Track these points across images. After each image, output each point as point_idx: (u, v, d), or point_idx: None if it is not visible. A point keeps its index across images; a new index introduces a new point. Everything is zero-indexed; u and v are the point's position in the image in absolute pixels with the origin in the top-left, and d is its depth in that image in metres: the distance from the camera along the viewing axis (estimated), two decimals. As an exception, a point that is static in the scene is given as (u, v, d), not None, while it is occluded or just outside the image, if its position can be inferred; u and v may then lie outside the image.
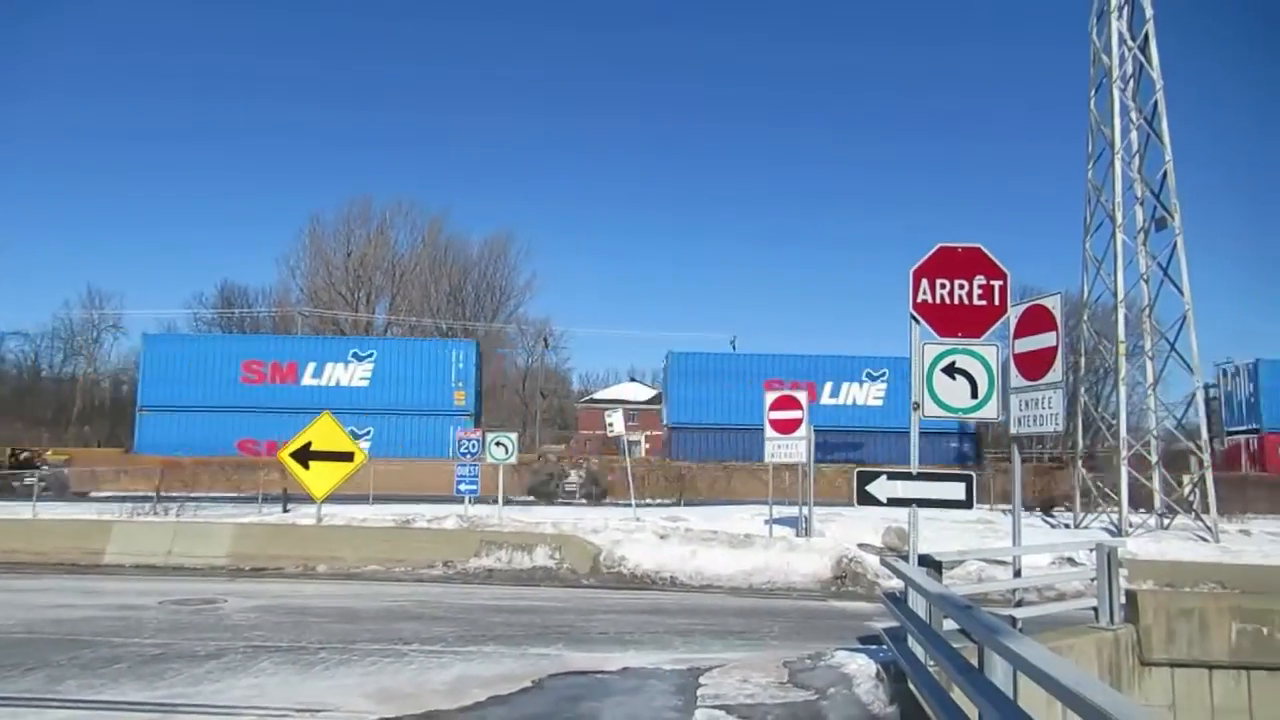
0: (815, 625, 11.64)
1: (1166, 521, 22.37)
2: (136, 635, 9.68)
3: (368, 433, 33.27)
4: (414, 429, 34.35)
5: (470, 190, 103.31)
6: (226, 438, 32.72)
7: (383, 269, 62.32)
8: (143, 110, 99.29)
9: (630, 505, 22.19)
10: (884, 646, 8.21)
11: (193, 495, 23.25)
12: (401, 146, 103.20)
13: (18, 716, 6.61)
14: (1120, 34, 23.54)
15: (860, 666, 7.82)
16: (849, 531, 18.77)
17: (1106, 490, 22.98)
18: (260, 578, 15.01)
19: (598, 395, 74.57)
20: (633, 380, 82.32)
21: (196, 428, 32.89)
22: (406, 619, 11.19)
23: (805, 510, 18.76)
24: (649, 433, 65.16)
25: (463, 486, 20.93)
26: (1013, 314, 8.78)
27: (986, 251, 8.61)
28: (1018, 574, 9.78)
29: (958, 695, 5.57)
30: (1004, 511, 22.31)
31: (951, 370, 8.32)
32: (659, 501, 27.81)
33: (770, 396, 18.95)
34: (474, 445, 21.63)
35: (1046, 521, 24.54)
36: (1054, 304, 8.61)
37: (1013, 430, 9.01)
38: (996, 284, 8.50)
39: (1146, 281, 23.48)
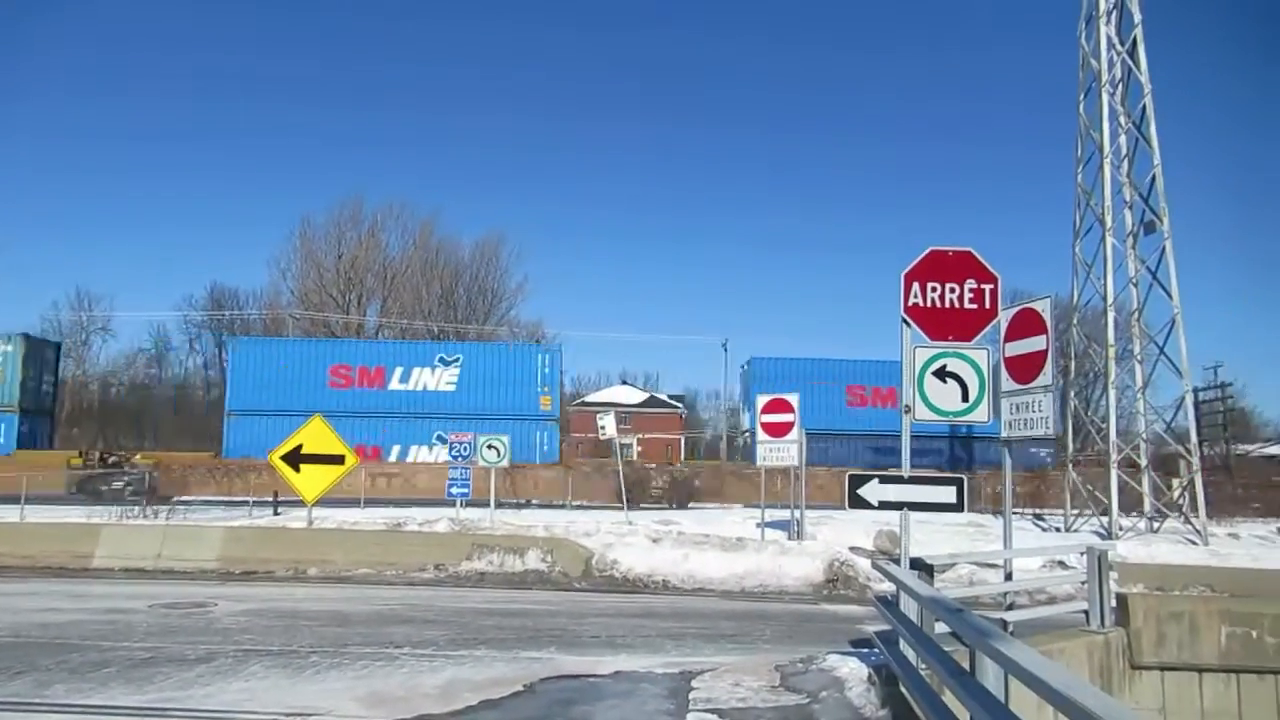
0: (807, 629, 11.65)
1: (1156, 525, 22.47)
2: (125, 639, 9.63)
3: (504, 433, 33.22)
4: (501, 433, 34.11)
5: (461, 192, 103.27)
6: (508, 444, 32.73)
7: (374, 271, 62.14)
8: (130, 111, 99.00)
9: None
10: (876, 650, 8.22)
11: (184, 499, 23.15)
12: (392, 148, 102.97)
13: (5, 721, 6.58)
14: (1109, 39, 23.65)
15: (852, 670, 7.83)
16: (841, 535, 18.80)
17: (1096, 493, 23.05)
18: (251, 581, 14.96)
19: (589, 398, 74.55)
20: (624, 383, 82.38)
21: (285, 431, 32.70)
22: (398, 622, 11.16)
23: (797, 514, 18.78)
24: (642, 435, 65.18)
25: (454, 490, 20.89)
26: (1003, 317, 8.81)
27: (977, 255, 8.63)
28: (1009, 577, 9.82)
29: (949, 698, 5.58)
30: (995, 514, 22.37)
31: (942, 374, 8.34)
32: (651, 506, 27.79)
33: (762, 400, 19.00)
34: (465, 449, 21.59)
35: (1037, 525, 24.61)
36: (1044, 308, 8.64)
37: (1003, 434, 9.03)
38: (987, 287, 8.53)
39: (1136, 285, 23.59)
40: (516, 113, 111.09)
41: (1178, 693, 9.54)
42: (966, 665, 5.45)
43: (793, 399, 18.56)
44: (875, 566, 10.89)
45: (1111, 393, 23.11)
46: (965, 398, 8.30)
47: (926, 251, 8.63)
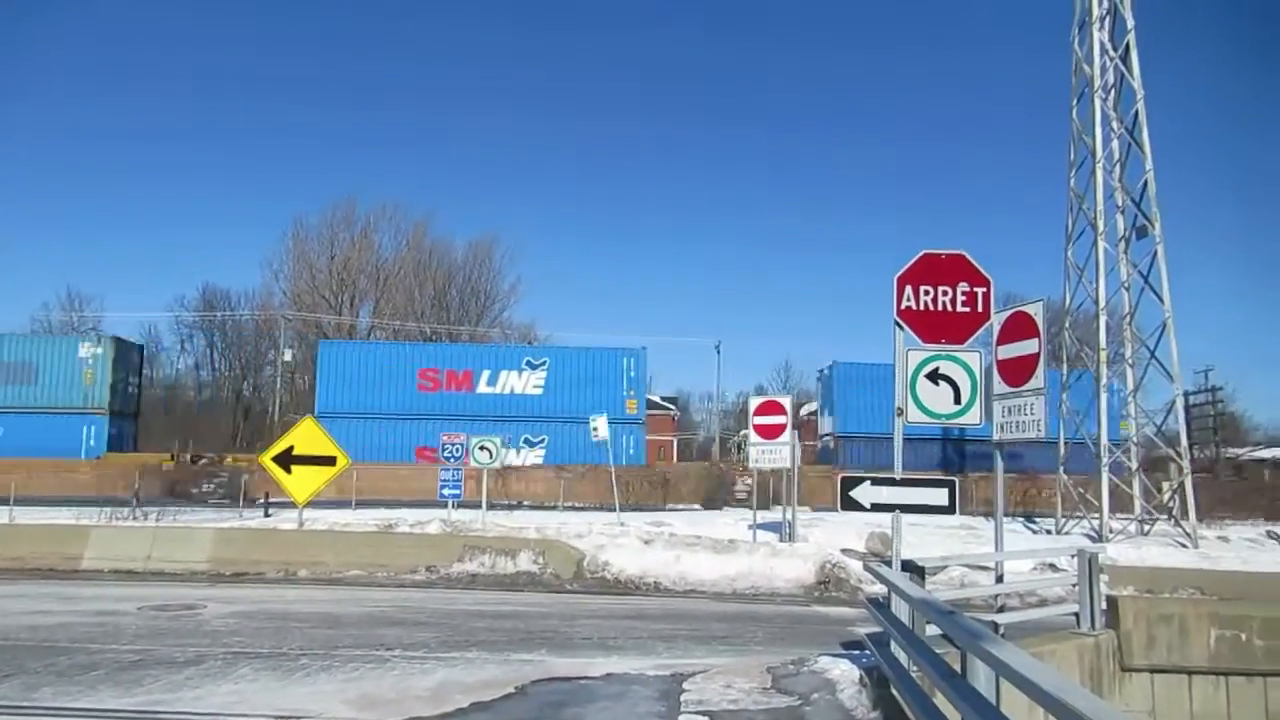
0: (799, 630, 11.65)
1: (1146, 528, 22.56)
2: (114, 641, 9.58)
3: (542, 440, 33.44)
4: (588, 436, 34.02)
5: (454, 193, 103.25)
6: (405, 444, 32.69)
7: (367, 272, 62.03)
8: (121, 111, 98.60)
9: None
10: (867, 652, 8.23)
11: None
12: (386, 149, 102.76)
13: (-8, 724, 6.54)
14: (1102, 44, 23.76)
15: (843, 672, 7.83)
16: (832, 537, 18.83)
17: (1087, 496, 23.13)
18: (241, 583, 14.90)
19: (581, 400, 74.33)
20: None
21: (375, 434, 32.68)
22: (388, 624, 11.12)
23: (789, 515, 18.80)
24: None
25: (446, 491, 20.86)
26: (996, 321, 8.83)
27: (970, 258, 8.65)
28: (1000, 579, 9.84)
29: (940, 700, 5.59)
30: (986, 517, 22.43)
31: (935, 376, 8.35)
32: (642, 506, 27.82)
33: (755, 402, 19.04)
34: (458, 450, 21.56)
35: (1028, 527, 24.67)
36: (1036, 311, 8.66)
37: (995, 436, 9.05)
38: (980, 291, 8.54)
39: (1127, 289, 23.69)
40: (509, 113, 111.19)
41: (1167, 695, 9.56)
42: (958, 667, 5.45)
43: (785, 401, 18.61)
44: (867, 568, 10.92)
45: (1103, 396, 23.18)
46: (958, 400, 8.32)
47: (919, 254, 8.65)
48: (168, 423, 58.45)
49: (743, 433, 37.44)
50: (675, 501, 28.81)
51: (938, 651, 5.79)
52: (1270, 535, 23.14)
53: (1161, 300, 22.81)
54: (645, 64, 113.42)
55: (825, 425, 38.97)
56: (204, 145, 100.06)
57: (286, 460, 18.22)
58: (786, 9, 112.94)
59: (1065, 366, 25.59)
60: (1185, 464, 22.49)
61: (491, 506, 21.77)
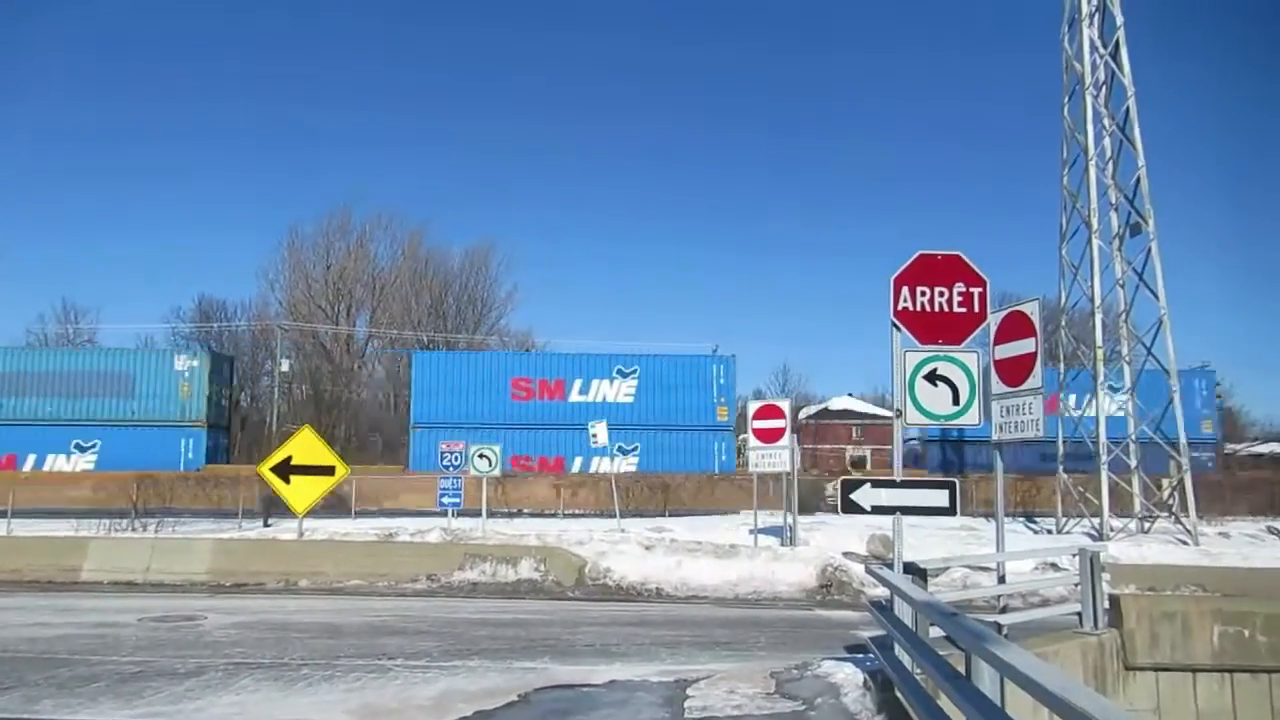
0: (801, 635, 11.64)
1: (1147, 526, 22.57)
2: (114, 653, 9.55)
3: (635, 448, 33.43)
4: (679, 444, 34.27)
5: (451, 200, 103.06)
6: (502, 453, 32.85)
7: (363, 282, 62.07)
8: (113, 120, 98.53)
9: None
10: (870, 655, 8.22)
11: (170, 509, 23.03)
12: (381, 154, 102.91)
13: (-7, 739, 6.51)
14: (1092, 41, 23.81)
15: (847, 675, 7.82)
16: (833, 540, 18.81)
17: (1087, 495, 23.14)
18: (241, 593, 14.86)
19: (580, 406, 74.32)
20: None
21: (470, 443, 32.92)
22: (390, 634, 11.09)
23: (789, 519, 18.79)
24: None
25: (446, 499, 20.82)
26: (992, 320, 8.83)
27: (965, 259, 8.67)
28: (1002, 580, 9.83)
29: (945, 703, 5.58)
30: (986, 518, 22.42)
31: (933, 377, 8.36)
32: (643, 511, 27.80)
33: (754, 407, 19.04)
34: (457, 458, 21.53)
35: (1029, 527, 24.68)
36: (1032, 310, 8.66)
37: (994, 436, 9.05)
38: (976, 291, 8.56)
39: (1123, 287, 23.72)
40: (506, 118, 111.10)
41: (1172, 693, 9.54)
42: (962, 669, 5.43)
43: (784, 405, 18.60)
44: (869, 571, 10.90)
45: (1100, 393, 23.20)
46: (956, 401, 8.32)
47: (915, 256, 8.66)
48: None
49: (742, 437, 37.48)
50: (675, 506, 28.74)
51: (941, 653, 5.79)
52: (1271, 530, 23.16)
53: (1156, 297, 22.84)
54: (642, 67, 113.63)
55: (912, 429, 38.99)
56: (198, 153, 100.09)
57: (285, 470, 18.15)
58: (783, 12, 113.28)
59: (1062, 365, 25.62)
60: (1184, 461, 22.50)
61: (491, 514, 21.73)
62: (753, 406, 19.14)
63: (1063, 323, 25.56)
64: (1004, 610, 9.70)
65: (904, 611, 6.91)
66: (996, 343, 8.90)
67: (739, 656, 9.90)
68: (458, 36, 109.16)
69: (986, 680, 4.87)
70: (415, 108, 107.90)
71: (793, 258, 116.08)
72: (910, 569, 7.98)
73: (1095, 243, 23.13)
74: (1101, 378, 23.09)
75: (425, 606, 13.62)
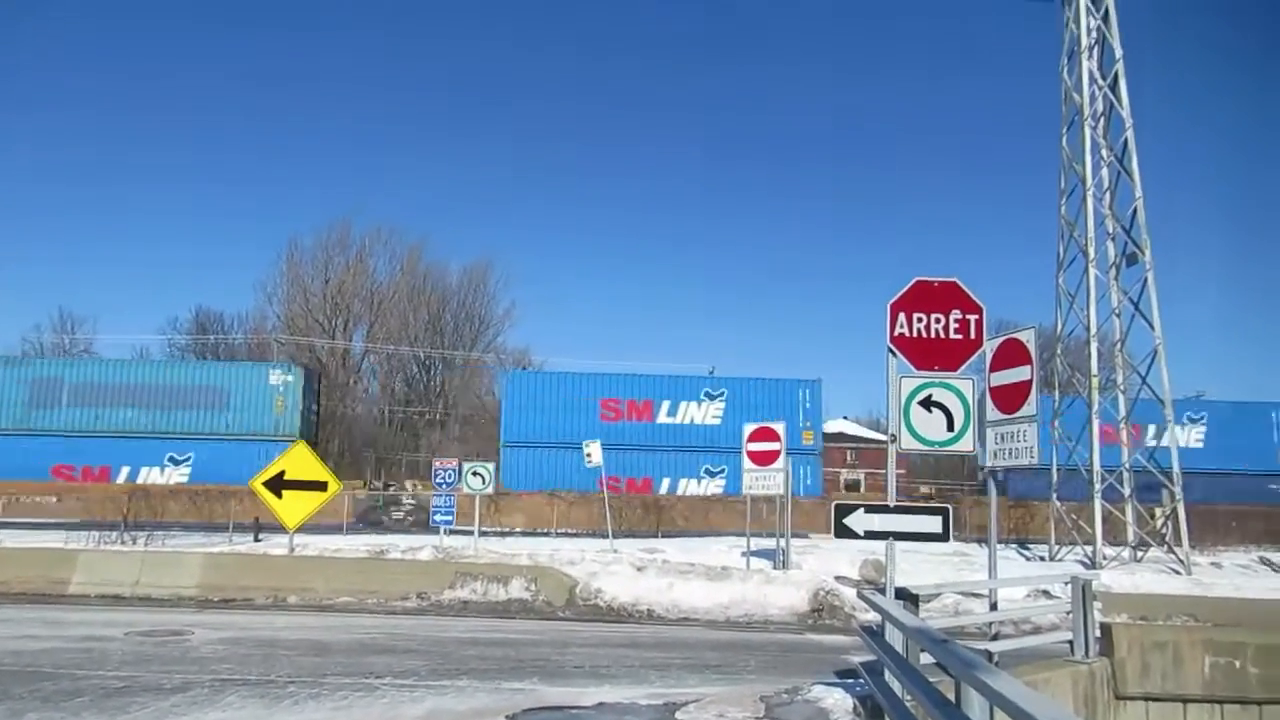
0: (792, 659, 11.58)
1: (1140, 554, 22.53)
2: (100, 667, 9.48)
3: (722, 470, 33.27)
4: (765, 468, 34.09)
5: (449, 217, 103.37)
6: (589, 473, 32.79)
7: (361, 297, 62.15)
8: (112, 132, 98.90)
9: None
10: (861, 680, 8.17)
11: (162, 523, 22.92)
12: (380, 172, 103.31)
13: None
14: (1091, 73, 24.04)
15: (837, 701, 7.78)
16: (826, 564, 18.76)
17: (1080, 523, 23.11)
18: (229, 609, 14.77)
19: (575, 425, 74.23)
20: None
21: (559, 463, 32.90)
22: (378, 652, 11.02)
23: (782, 542, 18.74)
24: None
25: (438, 517, 20.74)
26: (988, 348, 8.85)
27: (962, 286, 8.69)
28: (994, 607, 9.79)
29: (934, 730, 5.54)
30: (979, 543, 22.38)
31: (928, 403, 8.36)
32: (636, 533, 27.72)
33: (748, 429, 19.03)
34: (450, 475, 21.46)
35: (1022, 554, 24.64)
36: (1028, 338, 8.68)
37: (989, 463, 9.04)
38: (972, 318, 8.57)
39: (1118, 316, 23.82)
40: (507, 136, 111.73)
41: (1163, 724, 9.50)
42: (952, 697, 5.41)
43: (779, 428, 18.58)
44: (860, 596, 10.86)
45: (1095, 422, 23.22)
46: (951, 427, 8.32)
47: (912, 282, 8.68)
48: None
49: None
50: (668, 527, 28.62)
51: (932, 680, 5.76)
52: (1263, 561, 23.12)
53: (1152, 327, 22.93)
54: (642, 89, 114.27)
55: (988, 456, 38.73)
56: (198, 165, 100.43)
57: (278, 485, 18.09)
58: (784, 36, 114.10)
59: (1057, 393, 25.65)
60: (1177, 490, 22.50)
61: (483, 533, 21.65)
62: (747, 429, 19.12)
63: (1058, 350, 25.62)
64: (995, 637, 9.66)
65: (895, 637, 6.88)
66: (992, 369, 8.91)
67: (729, 680, 9.85)
68: (459, 54, 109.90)
69: (976, 708, 4.85)
70: (416, 124, 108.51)
71: (789, 281, 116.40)
72: (902, 594, 7.95)
73: (1092, 272, 23.24)
74: (1097, 406, 23.12)
75: (415, 625, 13.55)
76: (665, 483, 33.52)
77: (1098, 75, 24.05)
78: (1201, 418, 36.27)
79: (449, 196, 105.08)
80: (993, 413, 8.87)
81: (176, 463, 33.41)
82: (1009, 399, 8.69)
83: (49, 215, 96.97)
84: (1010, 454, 8.70)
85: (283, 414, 33.74)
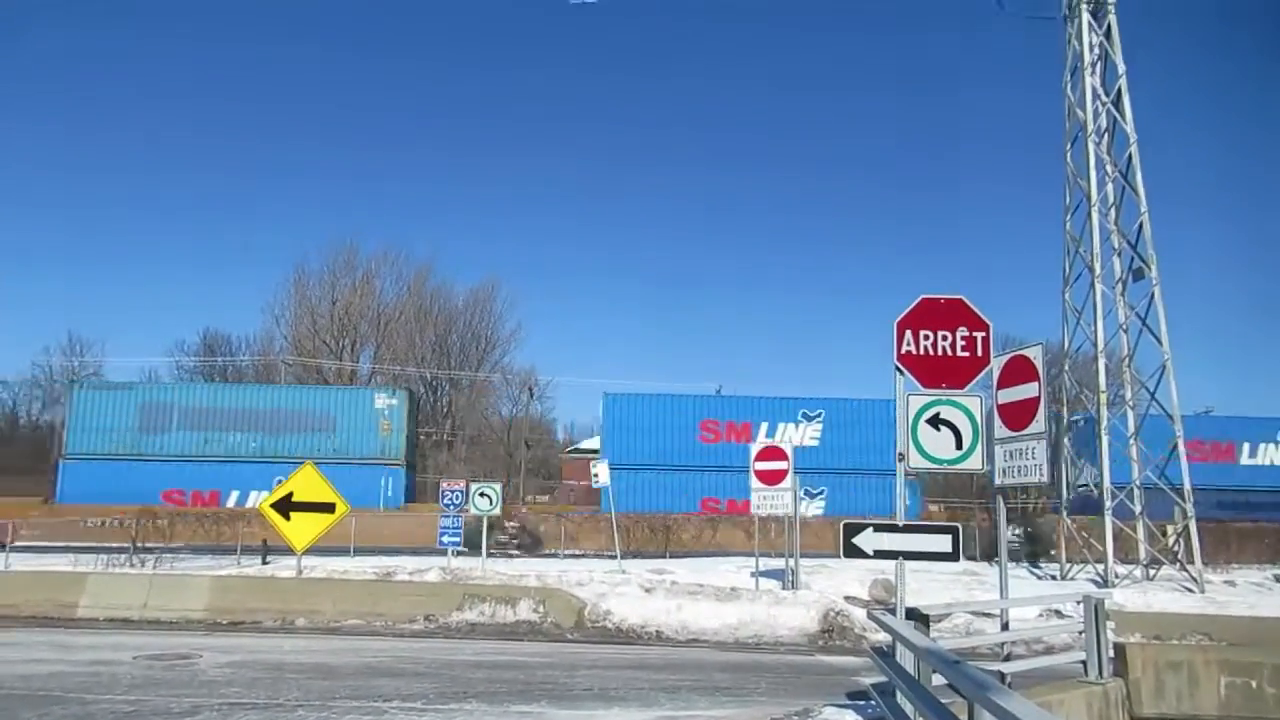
0: (802, 680, 11.50)
1: (1152, 572, 22.36)
2: (109, 691, 9.46)
3: (821, 492, 33.28)
4: (865, 487, 34.05)
5: (455, 238, 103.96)
6: (690, 495, 32.95)
7: (368, 318, 62.34)
8: (124, 152, 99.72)
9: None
10: (872, 702, 8.11)
11: (171, 547, 22.94)
12: (387, 195, 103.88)
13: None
14: (1094, 89, 24.09)
15: (848, 723, 7.71)
16: (835, 584, 18.66)
17: (1091, 541, 22.95)
18: (237, 632, 14.74)
19: (582, 445, 74.25)
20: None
21: (658, 485, 33.10)
22: (386, 675, 10.98)
23: (791, 562, 18.65)
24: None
25: (445, 539, 20.71)
26: (995, 365, 8.82)
27: (968, 303, 8.67)
28: (1005, 627, 9.72)
29: (947, 753, 5.48)
30: (990, 561, 22.24)
31: (936, 421, 8.33)
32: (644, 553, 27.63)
33: (755, 448, 18.98)
34: (458, 497, 21.44)
35: (1033, 573, 24.47)
36: (1035, 354, 8.65)
37: (998, 481, 9.00)
38: (979, 335, 8.55)
39: (1125, 331, 23.75)
40: (510, 156, 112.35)
41: (1178, 745, 9.40)
42: (964, 718, 5.37)
43: (786, 447, 18.53)
44: (871, 616, 10.79)
45: (1104, 439, 23.12)
46: (959, 445, 8.28)
47: (918, 300, 8.67)
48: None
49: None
50: (677, 548, 28.51)
51: (944, 702, 5.71)
52: (1278, 579, 22.92)
53: (1160, 342, 22.85)
54: (645, 106, 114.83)
55: (1087, 474, 38.52)
56: (205, 191, 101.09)
57: (286, 507, 18.11)
58: (786, 52, 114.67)
59: (1065, 409, 25.55)
60: (1189, 507, 22.35)
61: (490, 554, 21.60)
62: (754, 448, 19.07)
63: (1066, 367, 25.56)
64: (1008, 658, 9.58)
65: (906, 658, 6.83)
66: (999, 387, 8.88)
67: (739, 702, 9.79)
68: (464, 76, 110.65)
69: (989, 731, 4.80)
70: (421, 146, 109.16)
71: (795, 297, 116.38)
72: (913, 615, 7.89)
73: (1098, 287, 23.21)
74: (1105, 422, 23.03)
75: (423, 647, 13.50)
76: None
77: (1101, 91, 24.11)
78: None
79: (455, 218, 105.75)
80: (1000, 430, 8.84)
81: None
82: (1017, 416, 8.66)
83: (55, 241, 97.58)
84: (1019, 471, 8.66)
85: (388, 437, 33.94)
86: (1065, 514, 24.21)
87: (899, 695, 6.95)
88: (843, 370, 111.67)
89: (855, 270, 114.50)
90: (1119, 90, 23.83)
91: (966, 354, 8.53)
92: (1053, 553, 25.38)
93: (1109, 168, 24.14)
